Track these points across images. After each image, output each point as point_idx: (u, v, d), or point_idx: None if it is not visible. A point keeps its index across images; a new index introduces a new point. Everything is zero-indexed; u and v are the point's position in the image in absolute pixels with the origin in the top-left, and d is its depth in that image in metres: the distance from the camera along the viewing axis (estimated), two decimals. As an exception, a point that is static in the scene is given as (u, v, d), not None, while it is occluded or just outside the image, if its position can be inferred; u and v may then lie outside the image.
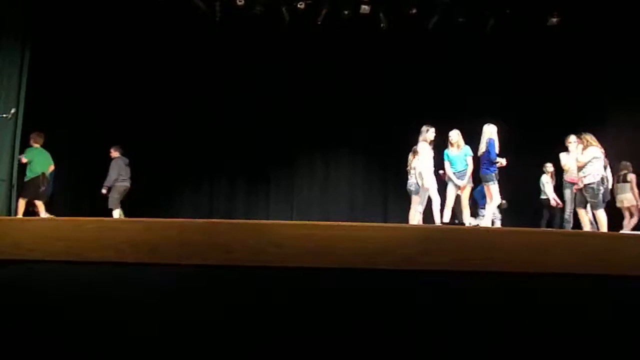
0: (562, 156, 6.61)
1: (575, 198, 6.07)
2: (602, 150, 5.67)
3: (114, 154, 7.19)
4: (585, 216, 5.77)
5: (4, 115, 5.79)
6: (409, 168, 6.72)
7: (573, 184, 6.11)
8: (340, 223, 1.96)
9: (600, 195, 5.56)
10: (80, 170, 7.80)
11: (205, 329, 1.67)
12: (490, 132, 6.03)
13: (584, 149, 5.65)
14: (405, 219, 8.12)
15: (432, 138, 6.21)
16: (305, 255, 1.81)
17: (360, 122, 8.38)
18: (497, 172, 5.99)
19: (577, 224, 6.15)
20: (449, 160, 6.27)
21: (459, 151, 6.22)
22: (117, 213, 6.93)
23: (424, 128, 6.23)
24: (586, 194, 5.57)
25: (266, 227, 1.89)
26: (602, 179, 5.61)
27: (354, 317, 1.69)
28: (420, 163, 6.13)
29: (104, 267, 1.72)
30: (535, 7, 7.48)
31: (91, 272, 1.73)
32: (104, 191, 6.99)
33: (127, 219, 1.80)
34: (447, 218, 6.13)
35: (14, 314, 1.69)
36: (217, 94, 8.39)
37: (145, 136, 8.13)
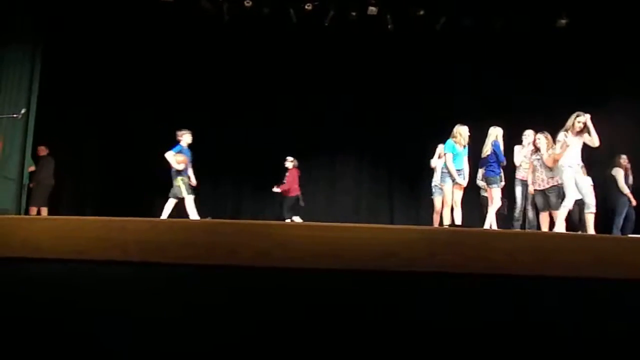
0: (517, 150, 6.21)
1: (526, 197, 5.88)
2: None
3: (44, 152, 7.14)
4: (545, 219, 5.64)
5: (15, 115, 5.86)
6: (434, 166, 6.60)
7: (524, 182, 5.85)
8: (345, 224, 1.97)
9: (562, 197, 5.51)
10: (86, 170, 7.88)
11: (207, 329, 1.68)
12: (495, 134, 5.95)
13: (550, 148, 5.56)
14: (411, 220, 8.09)
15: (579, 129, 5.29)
16: (310, 257, 1.81)
17: (367, 123, 8.37)
18: (502, 174, 5.93)
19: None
20: (452, 153, 5.93)
21: (462, 149, 6.03)
22: (44, 211, 6.87)
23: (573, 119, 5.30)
24: (550, 194, 5.51)
25: (271, 228, 1.90)
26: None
27: (357, 319, 1.70)
28: (561, 155, 5.35)
29: (110, 266, 1.74)
30: (544, 9, 7.46)
31: (97, 271, 1.75)
32: (31, 185, 6.95)
33: (129, 218, 1.80)
34: (458, 219, 6.04)
35: (23, 311, 1.71)
36: (224, 94, 8.42)
37: (152, 136, 8.18)
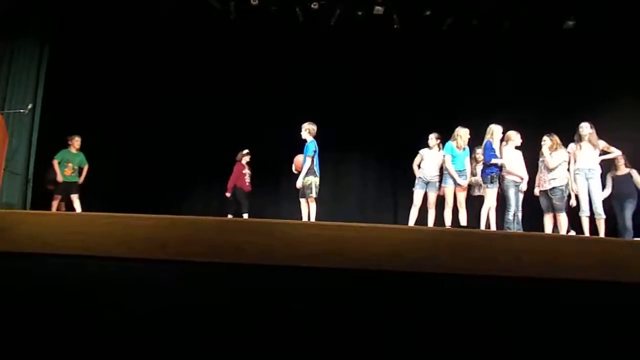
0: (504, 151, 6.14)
1: (517, 199, 5.85)
2: (568, 152, 5.66)
3: None
4: (549, 221, 5.68)
5: (21, 110, 5.91)
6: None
7: (517, 183, 5.78)
8: (349, 224, 1.96)
9: (565, 199, 5.59)
10: (92, 166, 7.90)
11: (212, 326, 1.69)
12: (490, 132, 5.94)
13: (552, 151, 5.60)
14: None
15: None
16: (314, 255, 1.82)
17: (372, 122, 8.36)
18: (494, 174, 5.82)
19: (537, 228, 5.90)
20: (451, 155, 6.00)
21: (462, 151, 6.06)
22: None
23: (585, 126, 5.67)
24: (553, 197, 5.55)
25: (276, 226, 1.90)
26: (568, 182, 5.64)
27: (359, 318, 1.70)
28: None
29: (115, 262, 1.75)
30: (551, 10, 7.43)
31: (103, 267, 1.76)
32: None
33: (134, 215, 1.79)
34: (464, 221, 6.04)
35: (28, 305, 1.72)
36: (230, 92, 8.44)
37: (158, 134, 8.22)
